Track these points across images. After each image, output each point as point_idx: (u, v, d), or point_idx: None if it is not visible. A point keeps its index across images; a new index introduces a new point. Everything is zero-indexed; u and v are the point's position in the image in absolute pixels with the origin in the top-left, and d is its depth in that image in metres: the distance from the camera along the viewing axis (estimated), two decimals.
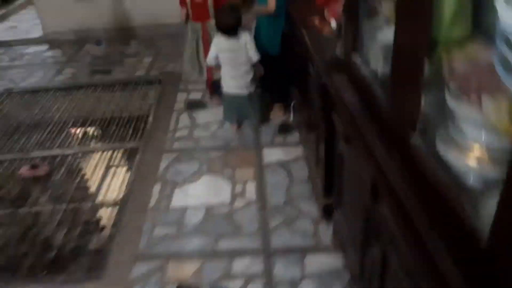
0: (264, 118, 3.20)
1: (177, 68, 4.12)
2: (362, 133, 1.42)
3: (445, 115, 1.01)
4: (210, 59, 2.89)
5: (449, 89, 0.98)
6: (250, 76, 2.92)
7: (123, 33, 5.36)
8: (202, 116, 3.40)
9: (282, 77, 3.26)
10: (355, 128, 1.48)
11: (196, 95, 3.71)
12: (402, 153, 1.13)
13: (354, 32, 1.50)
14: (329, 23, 2.32)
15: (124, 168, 2.92)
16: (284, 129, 3.14)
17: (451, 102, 0.98)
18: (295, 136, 3.05)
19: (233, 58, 2.83)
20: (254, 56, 2.84)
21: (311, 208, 2.37)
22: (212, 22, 3.08)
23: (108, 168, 2.92)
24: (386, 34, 1.38)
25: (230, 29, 2.76)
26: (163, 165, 2.86)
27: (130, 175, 2.80)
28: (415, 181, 1.06)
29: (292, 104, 3.18)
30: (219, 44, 2.82)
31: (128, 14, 5.29)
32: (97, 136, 3.36)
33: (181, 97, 3.72)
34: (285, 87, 3.34)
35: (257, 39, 3.03)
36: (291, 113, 3.22)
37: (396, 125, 1.17)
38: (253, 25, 3.16)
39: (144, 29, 5.31)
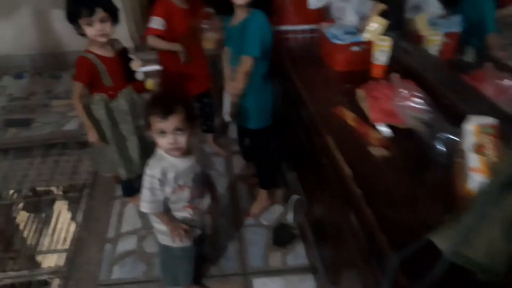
0: None
1: None
2: None
3: None
4: None
5: None
6: (156, 224, 1.67)
7: (53, 61, 4.19)
8: None
9: (273, 157, 2.28)
10: None
11: None
12: None
13: None
14: (373, 126, 1.35)
15: None
16: (282, 237, 2.15)
17: None
18: (300, 253, 2.07)
19: None
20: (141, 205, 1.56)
21: None
22: (127, 92, 2.03)
23: None
24: None
25: None
26: None
27: None
28: None
29: (293, 201, 2.20)
30: None
31: (59, 37, 4.11)
32: None
33: None
34: (275, 168, 2.37)
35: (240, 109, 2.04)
36: (290, 212, 2.24)
37: None
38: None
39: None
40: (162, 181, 1.49)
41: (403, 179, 1.15)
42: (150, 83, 2.07)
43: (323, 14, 2.06)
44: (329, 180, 1.42)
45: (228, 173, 2.66)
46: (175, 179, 1.50)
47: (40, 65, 4.17)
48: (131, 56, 2.07)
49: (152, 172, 1.48)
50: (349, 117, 1.41)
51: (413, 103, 1.31)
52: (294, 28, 2.10)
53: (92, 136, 1.95)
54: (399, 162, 1.21)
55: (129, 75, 2.02)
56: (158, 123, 1.42)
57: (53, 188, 2.63)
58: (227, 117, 2.65)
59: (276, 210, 2.34)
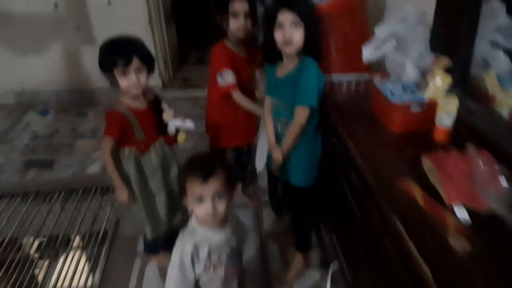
0: None
1: None
2: None
3: None
4: None
5: None
6: None
7: (80, 98, 4.13)
8: None
9: (313, 216, 2.07)
10: None
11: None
12: None
13: None
14: (447, 206, 1.13)
15: None
16: None
17: None
18: None
19: None
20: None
21: None
22: (158, 146, 1.86)
23: None
24: None
25: None
26: None
27: None
28: None
29: (333, 269, 1.97)
30: None
31: (87, 74, 4.05)
32: None
33: None
34: (314, 229, 2.15)
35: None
36: (328, 281, 2.00)
37: None
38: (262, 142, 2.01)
39: (106, 94, 4.05)
40: (194, 258, 1.30)
41: (497, 283, 0.92)
42: (182, 137, 1.90)
43: (370, 63, 1.88)
44: (392, 265, 1.20)
45: (257, 228, 2.45)
46: (208, 254, 1.31)
47: (67, 101, 4.11)
48: (163, 105, 1.92)
49: (183, 247, 1.30)
50: (417, 193, 1.19)
51: (496, 183, 1.10)
52: (339, 78, 1.92)
53: (123, 195, 1.78)
54: (488, 259, 0.99)
55: (161, 127, 1.86)
56: (197, 188, 1.25)
57: (72, 238, 2.46)
58: (259, 167, 2.46)
59: (312, 276, 2.10)
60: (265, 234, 2.39)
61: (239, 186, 2.66)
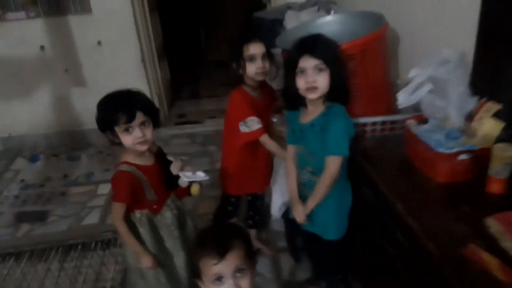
0: None
1: None
2: None
3: None
4: None
5: None
6: None
7: (70, 141, 3.92)
8: None
9: (341, 270, 1.92)
10: None
11: None
12: None
13: None
14: None
15: None
16: None
17: None
18: None
19: None
20: None
21: None
22: (172, 203, 1.72)
23: None
24: None
25: None
26: None
27: None
28: None
29: None
30: None
31: (77, 115, 3.87)
32: None
33: None
34: (340, 283, 1.99)
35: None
36: None
37: None
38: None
39: (98, 135, 3.84)
40: None
41: None
42: (195, 188, 1.74)
43: (394, 104, 1.77)
44: None
45: (276, 279, 2.27)
46: None
47: (56, 145, 3.90)
48: (169, 156, 1.77)
49: None
50: (492, 263, 1.05)
51: None
52: (363, 120, 1.80)
53: (147, 262, 1.60)
54: None
55: (170, 181, 1.70)
56: (213, 267, 1.08)
57: None
58: (276, 213, 2.31)
59: None
60: (285, 285, 2.22)
61: (253, 233, 2.49)
